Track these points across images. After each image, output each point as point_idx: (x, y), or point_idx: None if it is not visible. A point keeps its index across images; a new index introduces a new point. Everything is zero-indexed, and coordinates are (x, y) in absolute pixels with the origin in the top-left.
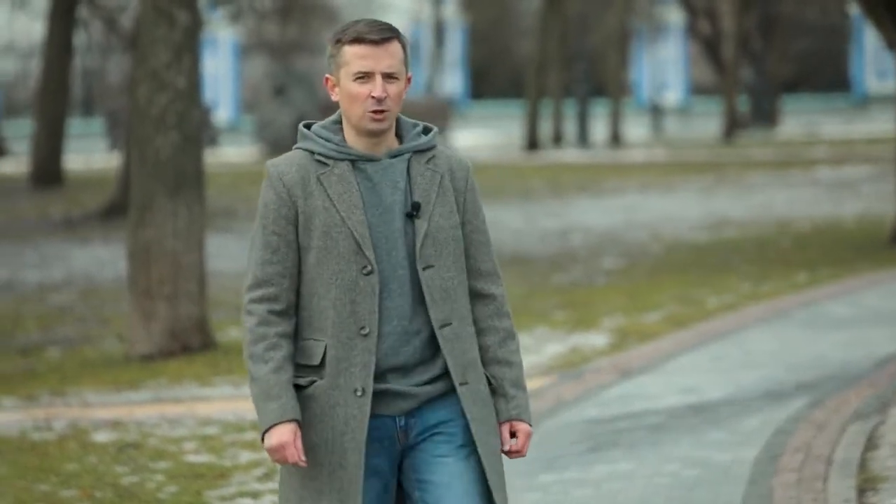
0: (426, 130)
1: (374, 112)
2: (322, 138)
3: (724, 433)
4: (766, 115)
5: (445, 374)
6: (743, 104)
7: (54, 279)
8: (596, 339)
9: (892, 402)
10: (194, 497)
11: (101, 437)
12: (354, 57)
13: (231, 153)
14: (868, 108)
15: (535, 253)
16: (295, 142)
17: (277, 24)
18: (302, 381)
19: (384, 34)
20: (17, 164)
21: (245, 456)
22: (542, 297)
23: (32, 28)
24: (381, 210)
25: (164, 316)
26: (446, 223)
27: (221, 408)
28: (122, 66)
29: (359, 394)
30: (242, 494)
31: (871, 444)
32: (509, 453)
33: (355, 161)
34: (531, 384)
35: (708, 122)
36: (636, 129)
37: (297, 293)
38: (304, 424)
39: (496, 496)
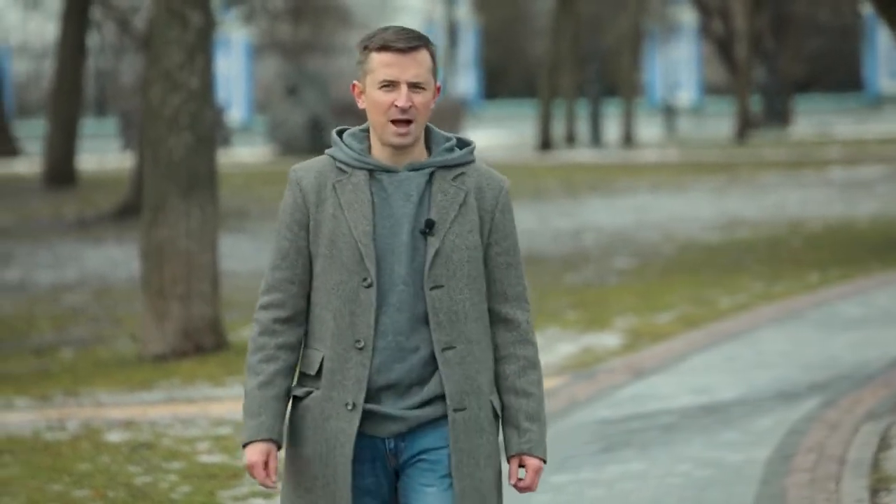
0: (462, 144)
1: (397, 122)
2: (346, 145)
3: (737, 433)
4: (778, 116)
5: (443, 396)
6: (756, 104)
7: (68, 279)
8: (608, 340)
9: None
10: (207, 497)
11: (114, 437)
12: (380, 65)
13: (244, 153)
14: (881, 108)
15: (548, 253)
16: (307, 142)
17: (290, 24)
18: (299, 392)
19: (411, 42)
20: (31, 165)
21: None
22: (555, 296)
23: (46, 29)
24: (390, 223)
25: (177, 316)
26: (463, 243)
27: (234, 408)
28: (135, 66)
29: (349, 408)
30: (255, 495)
31: (884, 444)
32: (518, 487)
33: (373, 171)
34: (543, 384)
35: (720, 123)
36: (649, 129)
37: (308, 300)
38: (301, 435)
39: None
